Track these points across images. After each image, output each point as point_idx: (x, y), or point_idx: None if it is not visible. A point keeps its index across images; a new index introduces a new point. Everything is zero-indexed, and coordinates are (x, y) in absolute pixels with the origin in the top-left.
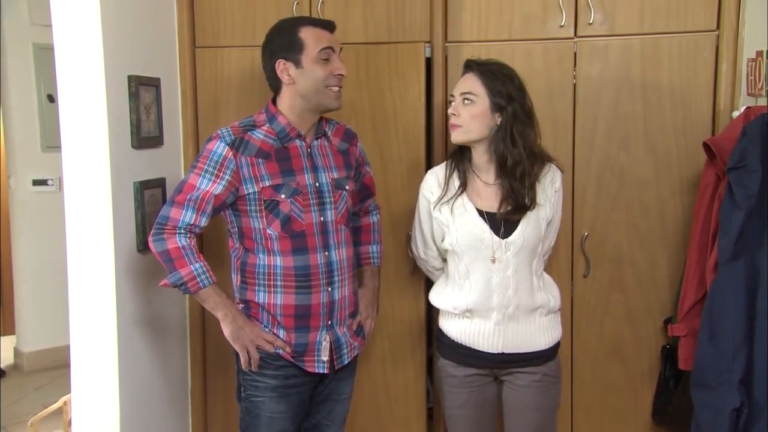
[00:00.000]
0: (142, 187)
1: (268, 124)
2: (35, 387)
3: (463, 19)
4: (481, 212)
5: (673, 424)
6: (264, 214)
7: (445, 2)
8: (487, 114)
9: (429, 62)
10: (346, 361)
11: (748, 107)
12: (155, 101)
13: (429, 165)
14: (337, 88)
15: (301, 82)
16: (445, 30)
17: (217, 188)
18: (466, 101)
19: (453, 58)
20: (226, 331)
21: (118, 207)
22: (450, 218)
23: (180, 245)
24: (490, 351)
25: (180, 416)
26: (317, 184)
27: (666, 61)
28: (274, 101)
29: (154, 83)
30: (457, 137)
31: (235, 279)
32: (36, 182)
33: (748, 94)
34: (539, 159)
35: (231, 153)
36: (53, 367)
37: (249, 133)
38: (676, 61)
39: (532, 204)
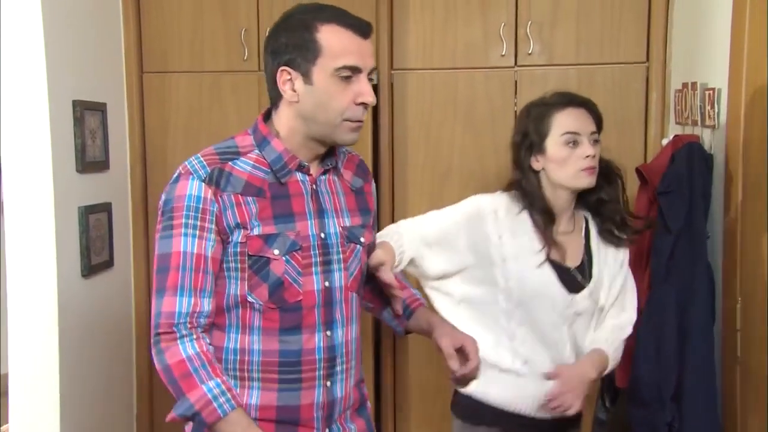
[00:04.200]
0: (87, 211)
1: (257, 150)
2: None
3: (408, 47)
4: None
5: None
6: (247, 275)
7: (391, 31)
8: None
9: (375, 89)
10: None
11: (676, 135)
12: (101, 126)
13: (377, 191)
14: (359, 122)
15: (308, 102)
16: (391, 58)
17: (209, 247)
18: (595, 143)
19: (399, 84)
20: None
21: (61, 232)
22: None
23: (185, 356)
24: None
25: None
26: (323, 235)
27: (601, 90)
28: (266, 117)
29: (100, 108)
30: (592, 182)
31: None
32: None
33: (676, 123)
34: None
35: (210, 192)
36: None
37: (230, 163)
38: (610, 91)
39: None
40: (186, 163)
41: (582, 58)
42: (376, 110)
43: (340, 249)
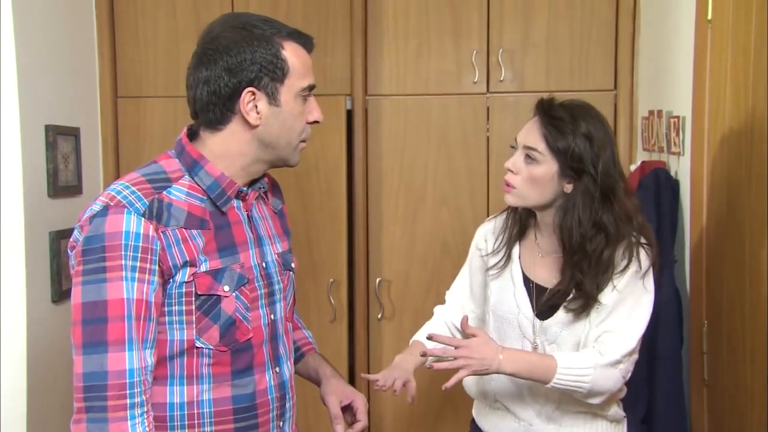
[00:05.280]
0: (59, 236)
1: (188, 176)
2: None
3: (382, 73)
4: None
5: None
6: (195, 317)
7: (365, 57)
8: (553, 179)
9: (350, 114)
10: None
11: (643, 161)
12: (74, 150)
13: (350, 215)
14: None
15: (272, 125)
16: (365, 83)
17: (151, 291)
18: (528, 158)
19: (373, 110)
20: None
21: (31, 257)
22: None
23: None
24: None
25: None
26: (264, 264)
27: None
28: (192, 135)
29: (73, 133)
30: (510, 200)
31: None
32: None
33: (644, 149)
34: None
35: (151, 227)
36: None
37: (165, 192)
38: None
39: None
40: (112, 192)
41: (552, 85)
42: (350, 135)
43: (279, 278)
